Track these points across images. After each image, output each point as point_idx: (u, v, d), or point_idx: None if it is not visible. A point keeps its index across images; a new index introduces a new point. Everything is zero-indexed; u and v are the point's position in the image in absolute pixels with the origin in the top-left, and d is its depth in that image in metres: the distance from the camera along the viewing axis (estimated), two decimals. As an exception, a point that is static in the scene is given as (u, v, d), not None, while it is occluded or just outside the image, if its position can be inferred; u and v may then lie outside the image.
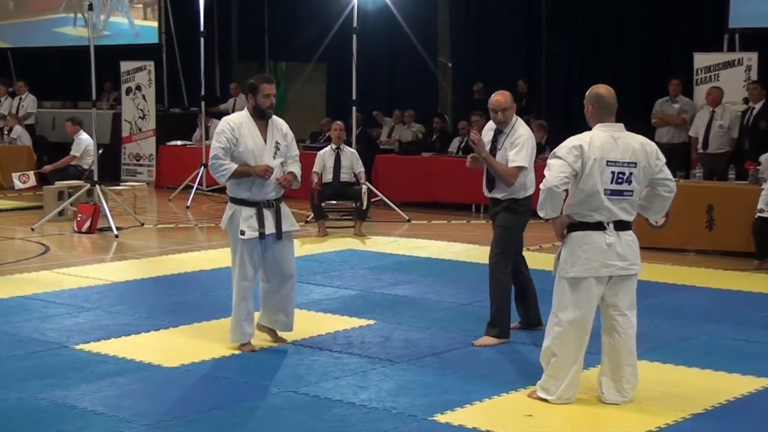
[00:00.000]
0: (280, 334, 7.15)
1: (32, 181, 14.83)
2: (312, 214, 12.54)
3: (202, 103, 16.37)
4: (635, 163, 5.62)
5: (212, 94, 18.55)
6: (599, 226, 5.62)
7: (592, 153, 5.56)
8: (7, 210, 14.49)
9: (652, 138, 13.39)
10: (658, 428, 5.42)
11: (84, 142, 14.83)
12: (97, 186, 12.74)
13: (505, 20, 16.99)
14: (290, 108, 19.86)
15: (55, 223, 12.83)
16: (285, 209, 6.97)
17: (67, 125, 15.45)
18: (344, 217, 12.79)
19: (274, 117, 6.96)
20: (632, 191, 5.65)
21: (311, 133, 17.20)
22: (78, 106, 18.75)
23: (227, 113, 17.82)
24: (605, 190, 5.58)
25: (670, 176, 5.87)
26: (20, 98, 18.44)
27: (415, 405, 5.75)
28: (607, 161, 5.57)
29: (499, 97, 7.13)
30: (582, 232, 5.65)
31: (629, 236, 5.70)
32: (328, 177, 12.39)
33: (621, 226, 5.66)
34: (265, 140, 6.87)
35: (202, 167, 15.55)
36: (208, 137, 16.43)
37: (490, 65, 16.99)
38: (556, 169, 5.60)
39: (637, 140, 5.72)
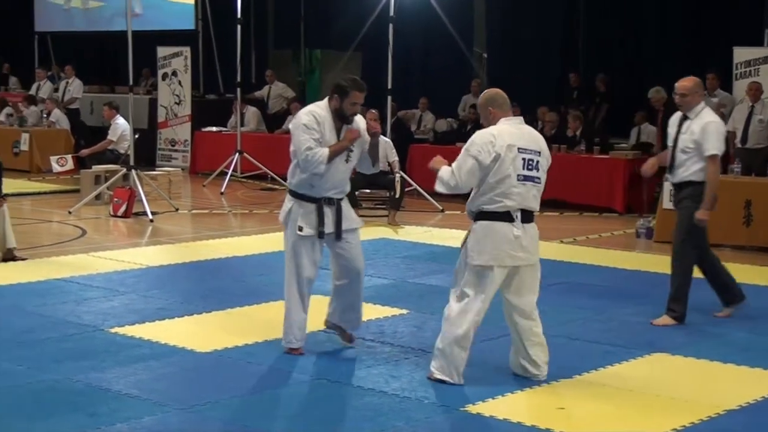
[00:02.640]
0: (349, 332, 6.83)
1: (70, 164, 14.95)
2: (345, 203, 12.52)
3: (238, 89, 16.41)
4: (539, 152, 5.89)
5: (248, 81, 18.60)
6: (507, 216, 5.79)
7: (503, 141, 5.76)
8: (45, 193, 14.64)
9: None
10: (692, 423, 5.38)
11: (120, 126, 14.92)
12: (133, 171, 12.82)
13: (542, 11, 16.90)
14: (325, 96, 19.87)
15: (91, 207, 12.94)
16: (347, 208, 6.57)
17: (104, 110, 15.54)
18: (378, 206, 12.79)
19: (356, 119, 6.60)
20: (540, 178, 5.88)
21: (346, 121, 17.17)
22: (115, 90, 18.86)
23: (262, 100, 18.01)
24: (518, 175, 5.77)
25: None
26: (67, 82, 18.61)
27: (446, 395, 5.75)
28: (518, 148, 5.79)
29: (684, 83, 7.41)
30: (489, 222, 5.82)
31: (533, 228, 5.91)
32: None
33: (527, 217, 5.84)
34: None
35: (237, 154, 15.60)
36: (243, 124, 16.49)
37: (526, 56, 16.91)
38: (467, 171, 5.79)
39: (534, 132, 6.04)
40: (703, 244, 7.64)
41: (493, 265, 5.80)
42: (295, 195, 6.49)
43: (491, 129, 5.87)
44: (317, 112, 6.48)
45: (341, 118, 6.49)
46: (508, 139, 5.78)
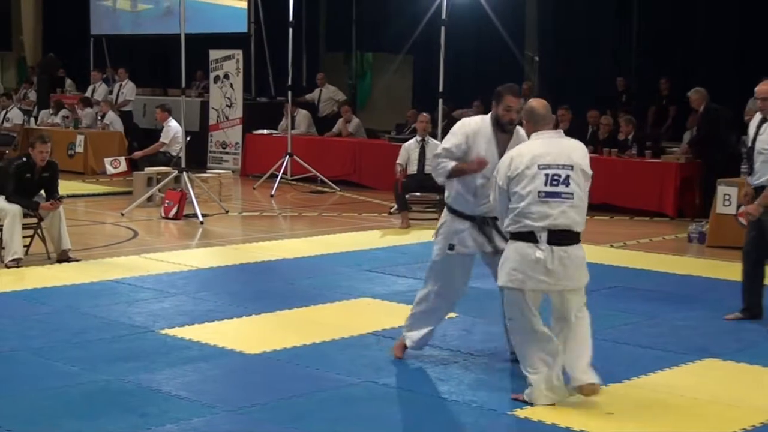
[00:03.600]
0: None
1: (123, 166, 15.13)
2: (396, 206, 12.55)
3: (289, 92, 16.48)
4: (571, 166, 5.54)
5: (299, 84, 18.66)
6: (531, 237, 5.51)
7: (521, 162, 5.54)
8: (98, 195, 14.83)
9: (745, 135, 13.18)
10: (743, 429, 5.31)
11: (173, 129, 15.06)
12: (185, 173, 12.93)
13: (594, 15, 16.79)
14: (376, 99, 19.93)
15: (143, 209, 13.07)
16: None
17: (156, 112, 15.70)
18: (428, 209, 12.78)
19: (520, 131, 6.13)
20: (571, 194, 5.51)
21: (397, 124, 17.21)
22: (168, 93, 19.05)
23: (313, 103, 18.08)
24: (539, 192, 5.48)
25: None
26: (120, 85, 18.85)
27: (494, 399, 5.73)
28: (539, 165, 5.52)
29: (764, 87, 7.40)
30: (513, 242, 5.60)
31: (570, 250, 5.52)
32: (413, 169, 12.39)
33: (558, 237, 5.50)
34: (500, 155, 5.99)
35: (287, 156, 15.67)
36: (294, 127, 16.57)
37: (578, 59, 16.82)
38: (496, 199, 5.73)
39: (570, 145, 5.68)
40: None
41: (512, 287, 5.60)
42: (451, 210, 6.33)
43: (512, 151, 5.70)
44: (470, 123, 6.29)
45: (499, 125, 6.15)
46: (527, 158, 5.54)
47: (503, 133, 6.14)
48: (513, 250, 5.59)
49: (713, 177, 11.79)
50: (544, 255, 5.47)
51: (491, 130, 6.17)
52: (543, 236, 5.48)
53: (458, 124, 6.35)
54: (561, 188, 5.50)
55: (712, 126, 12.87)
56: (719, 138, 12.85)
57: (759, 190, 7.43)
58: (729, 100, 13.78)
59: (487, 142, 6.12)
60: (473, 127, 6.21)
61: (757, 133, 7.43)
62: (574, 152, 5.63)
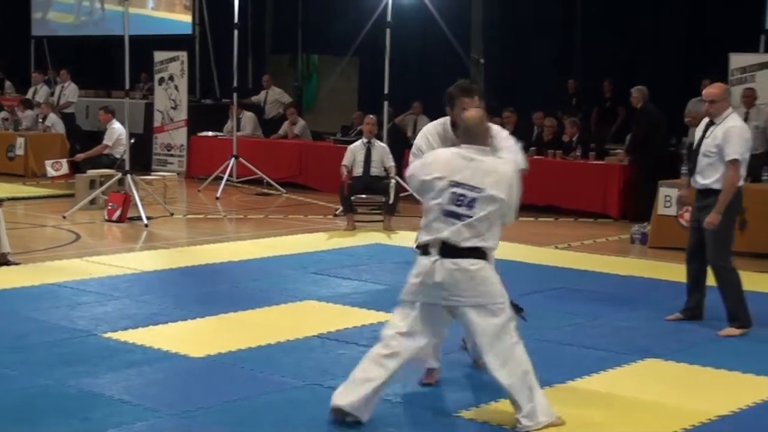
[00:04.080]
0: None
1: (65, 169, 14.95)
2: (341, 208, 12.55)
3: (234, 94, 16.41)
4: (482, 189, 5.27)
5: (244, 86, 18.59)
6: (426, 249, 5.36)
7: (437, 169, 5.37)
8: (39, 197, 14.61)
9: (685, 137, 13.37)
10: (683, 429, 5.38)
11: (117, 131, 14.92)
12: (129, 175, 12.81)
13: (540, 17, 16.93)
14: (322, 101, 19.90)
15: (86, 212, 12.91)
16: None
17: (100, 114, 15.55)
18: (373, 211, 12.79)
19: (493, 129, 5.80)
20: (471, 216, 5.26)
21: (342, 126, 17.21)
22: (111, 95, 18.86)
23: (259, 105, 18.01)
24: (443, 210, 5.30)
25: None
26: (62, 86, 18.62)
27: (440, 401, 5.76)
28: (450, 181, 5.30)
29: (712, 90, 7.47)
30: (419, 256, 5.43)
31: (453, 264, 5.28)
32: (359, 171, 12.40)
33: (447, 250, 5.30)
34: None
35: (233, 158, 15.60)
36: (239, 129, 16.49)
37: (523, 62, 16.94)
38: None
39: (493, 168, 5.36)
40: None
41: (405, 300, 5.46)
42: None
43: (433, 153, 5.59)
44: (432, 128, 6.08)
45: (458, 129, 5.80)
46: (442, 166, 5.36)
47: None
48: (415, 264, 5.49)
49: (651, 179, 11.95)
50: (434, 266, 5.30)
51: (451, 133, 5.97)
52: (435, 249, 5.33)
53: (422, 131, 6.15)
54: (463, 210, 5.28)
55: (645, 128, 13.05)
56: (654, 139, 13.03)
57: (703, 192, 7.48)
58: (671, 102, 13.98)
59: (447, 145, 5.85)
60: (433, 132, 6.02)
61: (703, 136, 7.48)
62: (489, 176, 5.31)
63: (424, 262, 5.37)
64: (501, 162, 5.51)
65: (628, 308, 8.19)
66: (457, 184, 5.31)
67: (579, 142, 13.99)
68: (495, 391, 5.88)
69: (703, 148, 7.46)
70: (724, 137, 7.30)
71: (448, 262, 5.29)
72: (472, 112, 5.62)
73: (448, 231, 5.30)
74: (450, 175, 5.33)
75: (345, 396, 5.35)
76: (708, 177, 7.42)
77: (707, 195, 7.43)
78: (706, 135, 7.46)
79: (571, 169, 13.62)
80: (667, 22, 15.76)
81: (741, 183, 7.42)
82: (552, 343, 7.05)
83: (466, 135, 5.49)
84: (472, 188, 5.29)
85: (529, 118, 15.02)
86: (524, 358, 5.35)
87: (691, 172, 7.62)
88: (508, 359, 5.31)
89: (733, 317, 7.47)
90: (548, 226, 12.70)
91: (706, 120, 7.60)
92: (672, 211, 11.07)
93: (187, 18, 19.08)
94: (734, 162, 7.28)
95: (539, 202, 13.41)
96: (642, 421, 5.55)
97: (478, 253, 5.33)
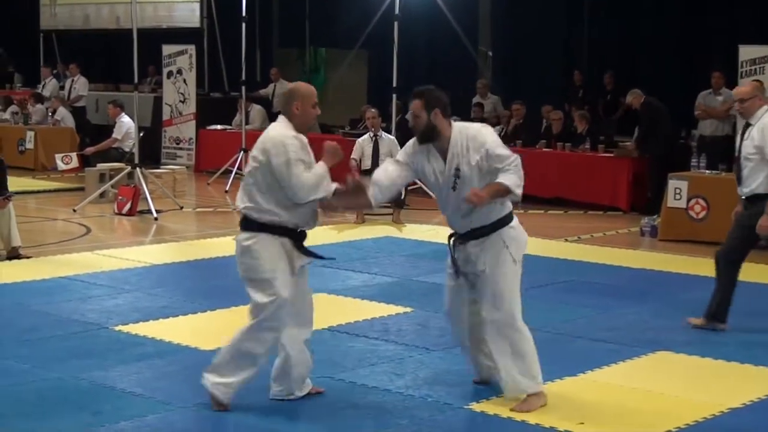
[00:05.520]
0: None
1: (75, 162, 14.97)
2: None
3: (243, 87, 16.40)
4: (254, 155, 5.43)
5: (253, 79, 18.59)
6: None
7: None
8: (49, 191, 14.64)
9: (694, 129, 13.35)
10: (695, 422, 5.38)
11: (125, 125, 14.93)
12: (138, 169, 12.82)
13: (546, 10, 16.90)
14: (330, 94, 19.86)
15: (96, 205, 12.94)
16: None
17: (108, 108, 15.56)
18: (382, 205, 12.75)
19: (455, 127, 5.60)
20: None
21: (351, 120, 17.20)
22: (120, 89, 18.87)
23: (267, 99, 18.00)
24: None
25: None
26: (72, 80, 18.64)
27: (450, 393, 5.75)
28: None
29: (742, 88, 7.15)
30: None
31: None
32: (367, 164, 12.38)
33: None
34: (444, 160, 5.54)
35: (242, 152, 15.60)
36: (248, 122, 16.49)
37: (531, 54, 16.92)
38: None
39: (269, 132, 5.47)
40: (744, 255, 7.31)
41: None
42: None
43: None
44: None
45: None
46: None
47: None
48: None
49: (661, 171, 11.94)
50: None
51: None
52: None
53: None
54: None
55: (651, 121, 13.03)
56: (661, 131, 13.00)
57: (751, 199, 6.99)
58: (672, 93, 13.97)
59: (428, 152, 5.59)
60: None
61: (742, 139, 7.10)
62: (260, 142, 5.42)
63: None
64: (271, 127, 5.50)
65: (638, 301, 8.18)
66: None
67: (588, 135, 13.97)
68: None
69: (743, 152, 7.01)
70: (761, 136, 6.88)
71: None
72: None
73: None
74: None
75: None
76: (754, 181, 6.93)
77: (756, 201, 6.93)
78: (745, 137, 7.03)
79: (581, 161, 13.60)
80: (677, 13, 15.70)
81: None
82: (563, 335, 7.05)
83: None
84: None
85: (537, 111, 15.00)
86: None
87: (739, 180, 7.11)
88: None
89: (715, 314, 7.25)
90: (558, 219, 12.69)
91: (743, 122, 7.24)
92: (681, 203, 11.05)
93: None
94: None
95: (548, 194, 13.40)
96: (654, 414, 5.54)
97: (247, 222, 5.42)
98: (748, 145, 6.98)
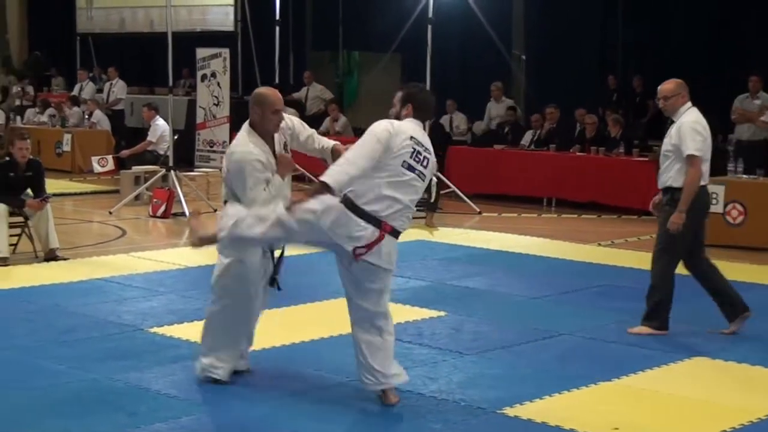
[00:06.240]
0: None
1: (110, 165, 15.09)
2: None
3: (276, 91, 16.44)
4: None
5: (286, 83, 18.64)
6: None
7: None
8: (86, 193, 14.78)
9: (731, 134, 13.24)
10: (732, 428, 5.33)
11: (160, 128, 15.03)
12: (172, 171, 12.90)
13: (580, 13, 16.85)
14: (363, 98, 19.91)
15: (131, 207, 13.04)
16: None
17: (143, 111, 15.67)
18: (417, 208, 12.73)
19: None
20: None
21: (383, 122, 17.18)
22: (155, 92, 19.00)
23: (300, 102, 18.05)
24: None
25: None
26: (111, 84, 18.80)
27: (483, 398, 5.73)
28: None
29: (666, 85, 7.14)
30: None
31: None
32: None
33: None
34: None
35: (275, 155, 15.64)
36: (281, 125, 16.52)
37: (564, 58, 16.86)
38: None
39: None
40: (695, 252, 7.32)
41: None
42: None
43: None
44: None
45: None
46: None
47: None
48: None
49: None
50: None
51: None
52: None
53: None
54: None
55: None
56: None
57: (665, 191, 7.13)
58: (711, 99, 13.84)
59: None
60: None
61: (665, 135, 7.20)
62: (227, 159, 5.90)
63: None
64: (235, 140, 5.93)
65: (673, 306, 8.09)
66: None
67: (622, 139, 13.90)
68: (537, 387, 5.88)
69: (662, 149, 7.16)
70: (677, 134, 6.99)
71: None
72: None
73: None
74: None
75: None
76: (666, 175, 7.10)
77: (665, 193, 7.14)
78: (667, 134, 7.15)
79: (615, 165, 13.53)
80: (712, 17, 15.60)
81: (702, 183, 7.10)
82: (597, 340, 7.01)
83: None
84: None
85: (570, 114, 14.95)
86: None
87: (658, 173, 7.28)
88: None
89: (650, 316, 7.23)
90: (591, 223, 12.63)
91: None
92: (718, 208, 10.96)
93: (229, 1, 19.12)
94: (691, 158, 6.94)
95: (583, 198, 13.35)
96: (690, 420, 5.51)
97: None
98: (667, 142, 7.11)
